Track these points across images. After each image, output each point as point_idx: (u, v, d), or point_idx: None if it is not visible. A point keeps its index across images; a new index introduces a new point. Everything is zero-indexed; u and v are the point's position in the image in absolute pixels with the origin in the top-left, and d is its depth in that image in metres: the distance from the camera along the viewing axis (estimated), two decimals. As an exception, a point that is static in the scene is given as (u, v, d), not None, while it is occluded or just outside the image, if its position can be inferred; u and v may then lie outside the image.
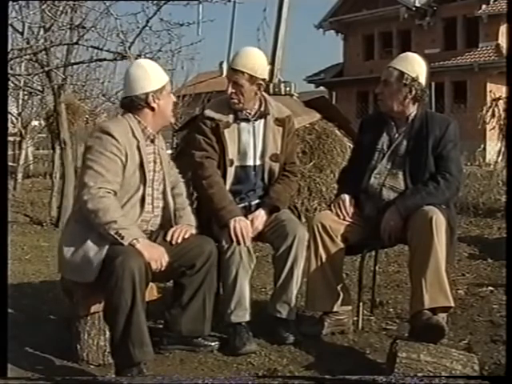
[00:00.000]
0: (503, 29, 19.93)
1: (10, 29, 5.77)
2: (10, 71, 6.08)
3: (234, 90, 2.98)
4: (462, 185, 4.07)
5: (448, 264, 2.77)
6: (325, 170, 6.24)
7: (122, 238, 2.47)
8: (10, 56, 5.43)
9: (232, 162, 3.01)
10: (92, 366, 2.68)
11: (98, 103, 11.67)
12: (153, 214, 2.75)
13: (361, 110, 22.20)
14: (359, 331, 3.06)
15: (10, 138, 12.15)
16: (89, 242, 2.51)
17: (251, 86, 2.97)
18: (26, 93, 10.03)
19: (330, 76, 25.49)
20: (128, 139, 2.65)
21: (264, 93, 3.10)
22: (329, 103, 8.07)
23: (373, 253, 3.23)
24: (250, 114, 3.04)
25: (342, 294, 3.00)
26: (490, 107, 10.12)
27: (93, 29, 5.84)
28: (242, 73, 2.95)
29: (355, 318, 3.10)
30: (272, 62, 6.78)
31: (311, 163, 6.26)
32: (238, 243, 2.83)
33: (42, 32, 6.14)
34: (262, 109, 3.06)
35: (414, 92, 2.92)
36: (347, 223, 2.99)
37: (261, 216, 2.99)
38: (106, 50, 6.15)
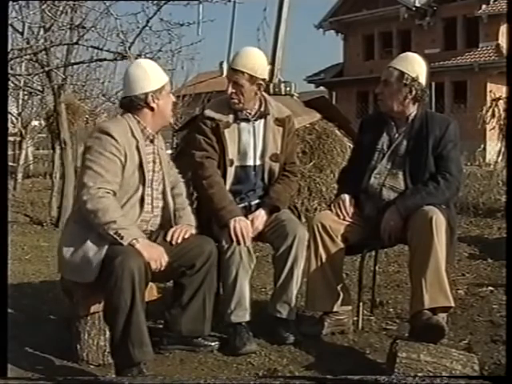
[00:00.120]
0: (503, 29, 19.95)
1: (10, 29, 5.78)
2: (10, 71, 6.08)
3: (234, 90, 2.98)
4: (462, 185, 4.07)
5: (448, 264, 2.77)
6: (325, 170, 6.24)
7: (122, 238, 2.47)
8: (10, 56, 5.43)
9: (232, 162, 3.01)
10: (92, 366, 2.68)
11: (97, 103, 11.67)
12: (152, 214, 2.75)
13: (361, 110, 22.19)
14: (359, 331, 3.06)
15: (10, 138, 12.15)
16: (88, 242, 2.51)
17: (251, 86, 2.97)
18: (25, 93, 10.03)
19: (330, 76, 25.48)
20: (127, 139, 2.64)
21: (264, 93, 3.10)
22: (329, 103, 8.07)
23: (373, 253, 3.23)
24: (250, 113, 3.04)
25: (341, 294, 3.00)
26: (490, 107, 10.12)
27: (93, 29, 5.85)
28: (242, 73, 2.95)
29: (355, 318, 3.10)
30: (272, 62, 6.77)
31: (311, 163, 6.25)
32: (238, 243, 2.83)
33: (42, 32, 6.14)
34: (262, 109, 3.06)
35: (414, 92, 2.92)
36: (347, 223, 2.99)
37: (261, 216, 2.99)
38: (106, 50, 6.16)
